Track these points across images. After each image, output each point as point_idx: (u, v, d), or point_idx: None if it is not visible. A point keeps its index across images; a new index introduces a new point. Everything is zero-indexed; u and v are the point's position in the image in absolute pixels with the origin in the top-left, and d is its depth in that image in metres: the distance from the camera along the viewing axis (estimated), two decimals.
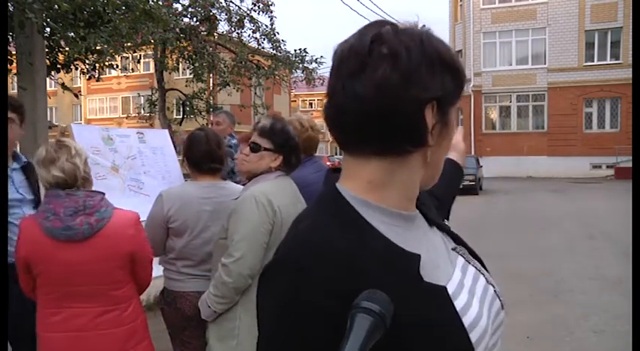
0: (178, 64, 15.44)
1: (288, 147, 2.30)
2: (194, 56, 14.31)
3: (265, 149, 2.27)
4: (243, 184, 2.51)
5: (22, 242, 2.14)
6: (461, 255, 0.89)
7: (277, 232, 2.20)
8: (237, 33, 14.99)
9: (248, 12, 14.68)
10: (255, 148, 2.28)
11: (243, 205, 2.18)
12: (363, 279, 0.71)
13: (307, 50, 15.63)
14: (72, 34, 5.68)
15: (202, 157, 2.59)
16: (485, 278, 0.88)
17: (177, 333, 2.66)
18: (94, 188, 2.24)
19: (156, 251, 2.57)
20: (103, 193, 2.19)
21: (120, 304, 2.19)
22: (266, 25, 14.97)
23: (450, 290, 0.79)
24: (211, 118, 4.90)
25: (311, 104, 56.23)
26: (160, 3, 9.07)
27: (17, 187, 2.68)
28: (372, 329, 0.68)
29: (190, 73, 14.97)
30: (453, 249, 0.89)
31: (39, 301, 2.19)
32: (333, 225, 0.76)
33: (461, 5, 29.10)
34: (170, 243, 2.61)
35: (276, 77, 15.86)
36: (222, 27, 15.16)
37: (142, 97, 22.75)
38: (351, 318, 0.69)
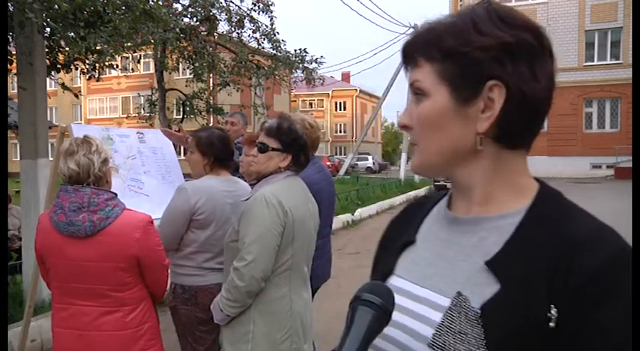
0: (178, 64, 15.43)
1: (297, 146, 2.27)
2: (194, 56, 14.30)
3: (273, 149, 2.24)
4: (251, 185, 2.52)
5: (37, 234, 2.20)
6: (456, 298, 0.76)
7: (289, 234, 2.18)
8: (237, 33, 14.98)
9: (248, 12, 14.67)
10: (262, 148, 2.26)
11: (254, 207, 2.15)
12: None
13: (307, 50, 15.66)
14: (72, 34, 5.67)
15: (228, 154, 2.75)
16: (444, 318, 0.73)
17: (192, 329, 2.66)
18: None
19: (172, 245, 2.61)
20: (115, 194, 2.19)
21: (124, 307, 2.16)
22: (266, 25, 14.97)
23: (395, 281, 0.85)
24: (224, 118, 4.90)
25: (311, 104, 56.20)
26: (160, 3, 9.06)
27: None
28: (373, 322, 0.68)
29: (190, 73, 14.95)
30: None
31: (52, 295, 2.24)
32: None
33: (461, 5, 29.07)
34: (192, 236, 2.63)
35: (276, 77, 15.85)
36: (222, 27, 15.18)
37: (142, 97, 22.75)
38: (352, 310, 0.68)
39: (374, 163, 40.48)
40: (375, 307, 0.68)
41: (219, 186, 2.67)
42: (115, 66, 8.62)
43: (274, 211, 2.13)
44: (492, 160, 0.76)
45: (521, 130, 0.75)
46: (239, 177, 2.93)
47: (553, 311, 0.63)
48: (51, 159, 4.59)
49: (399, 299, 0.76)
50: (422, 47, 0.77)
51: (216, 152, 2.71)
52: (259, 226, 2.12)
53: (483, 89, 0.73)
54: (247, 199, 2.27)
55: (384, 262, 0.87)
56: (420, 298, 0.77)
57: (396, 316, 0.75)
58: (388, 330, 0.76)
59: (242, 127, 4.63)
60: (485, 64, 0.73)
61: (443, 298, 0.74)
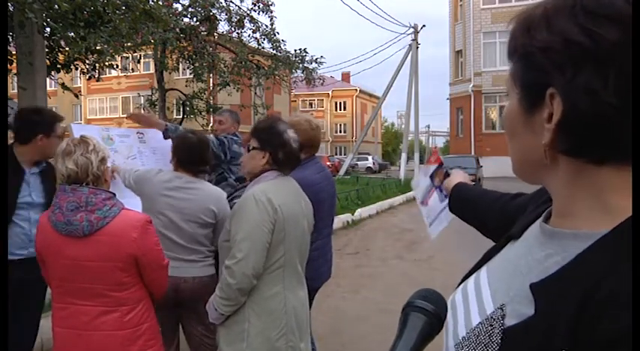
0: (178, 64, 15.44)
1: (273, 143, 2.30)
2: (194, 56, 14.31)
3: (253, 148, 2.32)
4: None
5: (37, 234, 2.22)
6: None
7: (279, 231, 2.20)
8: (237, 33, 14.98)
9: (248, 12, 14.67)
10: (248, 148, 2.37)
11: (244, 206, 2.19)
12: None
13: (307, 50, 15.66)
14: (72, 34, 5.68)
15: (194, 161, 2.87)
16: (477, 325, 0.71)
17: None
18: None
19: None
20: (113, 194, 2.19)
21: (122, 307, 2.16)
22: (266, 25, 14.98)
23: (483, 270, 0.80)
24: (213, 118, 4.82)
25: (311, 104, 56.21)
26: (160, 3, 9.07)
27: (31, 190, 2.87)
28: (425, 329, 0.68)
29: (190, 73, 14.96)
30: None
31: (52, 294, 2.25)
32: None
33: (461, 5, 29.11)
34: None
35: (276, 77, 15.86)
36: (222, 27, 15.18)
37: (142, 97, 22.76)
38: (404, 316, 0.69)
39: (374, 163, 40.49)
40: (428, 313, 0.68)
41: (163, 177, 2.83)
42: (115, 66, 8.64)
43: (263, 208, 2.16)
44: (571, 174, 0.65)
45: (590, 145, 0.61)
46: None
47: None
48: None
49: (470, 288, 0.76)
50: (509, 40, 0.69)
51: (178, 154, 2.89)
52: (248, 224, 2.15)
53: (546, 97, 0.62)
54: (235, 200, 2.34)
55: (495, 246, 0.84)
56: (481, 296, 0.74)
57: (459, 304, 0.76)
58: (448, 311, 0.77)
59: (232, 126, 4.45)
60: (546, 69, 0.62)
61: (491, 305, 0.70)
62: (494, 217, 1.28)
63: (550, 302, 0.60)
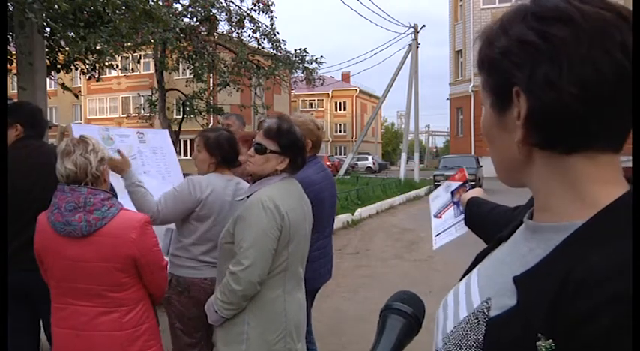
0: (178, 64, 15.45)
1: (295, 149, 2.25)
2: (194, 56, 14.32)
3: (272, 152, 2.21)
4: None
5: (36, 234, 2.20)
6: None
7: (285, 237, 2.18)
8: (237, 33, 15.01)
9: (248, 12, 14.70)
10: (260, 149, 2.22)
11: (251, 211, 2.14)
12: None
13: (307, 50, 15.68)
14: (72, 34, 5.69)
15: (235, 156, 2.80)
16: (464, 319, 0.73)
17: (182, 321, 2.71)
18: None
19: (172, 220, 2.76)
20: (112, 194, 2.18)
21: (121, 307, 2.15)
22: (266, 25, 15.00)
23: (475, 270, 0.81)
24: (220, 120, 4.85)
25: (311, 104, 56.20)
26: (160, 3, 9.08)
27: None
28: (404, 331, 0.69)
29: (190, 73, 14.97)
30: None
31: (51, 294, 2.24)
32: None
33: (461, 5, 29.11)
34: (190, 228, 2.69)
35: (276, 77, 15.87)
36: (222, 27, 15.20)
37: (142, 97, 22.74)
38: (382, 318, 0.70)
39: (374, 163, 40.47)
40: (407, 315, 0.70)
41: (221, 183, 2.72)
42: (115, 66, 8.65)
43: (271, 215, 2.13)
44: (545, 168, 0.69)
45: (559, 136, 0.65)
46: None
47: (542, 343, 0.59)
48: None
49: (461, 289, 0.79)
50: (477, 56, 0.74)
51: (219, 152, 2.76)
52: (256, 231, 2.12)
53: (512, 96, 0.67)
54: (242, 199, 2.28)
55: (485, 249, 0.88)
56: (470, 292, 0.76)
57: (449, 303, 0.78)
58: (439, 310, 0.79)
59: (239, 128, 4.55)
60: (508, 70, 0.67)
61: (478, 300, 0.72)
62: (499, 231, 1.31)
63: (530, 291, 0.64)
